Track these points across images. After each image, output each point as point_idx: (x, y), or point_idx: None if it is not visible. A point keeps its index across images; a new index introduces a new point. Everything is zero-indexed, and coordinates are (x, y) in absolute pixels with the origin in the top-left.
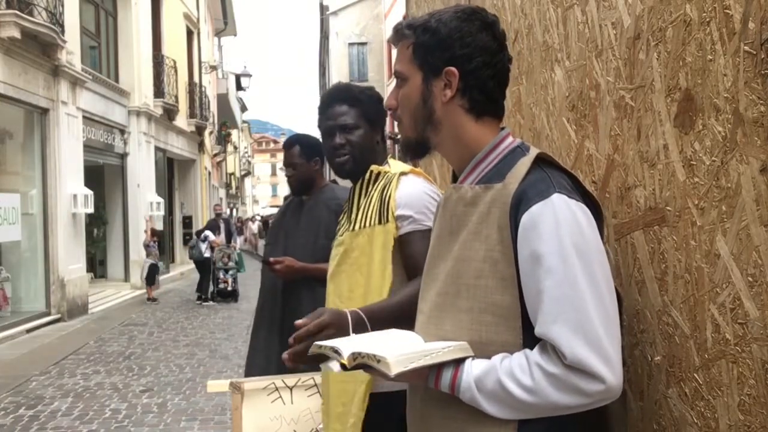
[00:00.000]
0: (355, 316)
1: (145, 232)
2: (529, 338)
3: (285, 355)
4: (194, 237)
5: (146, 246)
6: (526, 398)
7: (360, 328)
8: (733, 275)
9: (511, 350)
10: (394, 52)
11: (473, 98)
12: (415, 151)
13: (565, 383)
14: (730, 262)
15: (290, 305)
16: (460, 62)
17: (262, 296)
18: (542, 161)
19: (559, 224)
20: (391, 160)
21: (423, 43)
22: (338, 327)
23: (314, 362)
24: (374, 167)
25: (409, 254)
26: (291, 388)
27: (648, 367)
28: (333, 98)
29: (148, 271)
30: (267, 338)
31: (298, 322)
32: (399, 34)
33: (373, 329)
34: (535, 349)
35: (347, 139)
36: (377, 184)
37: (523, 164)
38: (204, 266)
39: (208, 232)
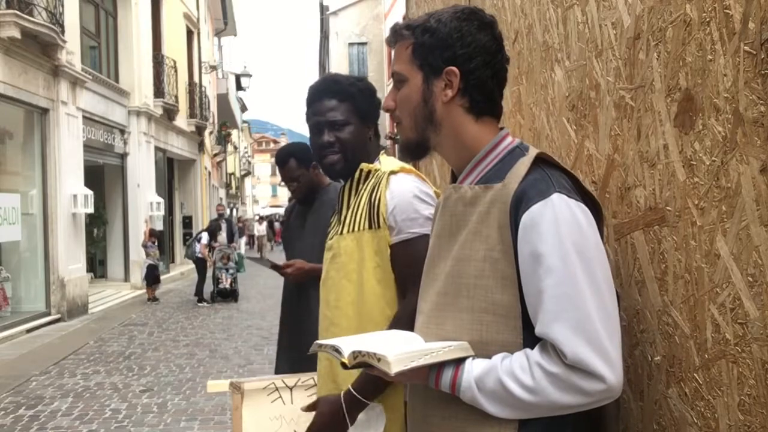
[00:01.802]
0: (351, 403)
1: (144, 233)
2: (529, 338)
3: None
4: (192, 236)
5: (144, 246)
6: (527, 398)
7: (354, 413)
8: (733, 275)
9: (511, 350)
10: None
11: (473, 98)
12: (414, 151)
13: (565, 383)
14: (730, 262)
15: (302, 306)
16: (461, 62)
17: (282, 302)
18: (542, 161)
19: (559, 224)
20: (382, 157)
21: (423, 43)
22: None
23: None
24: (364, 165)
25: (397, 269)
26: (291, 388)
27: (648, 367)
28: (321, 92)
29: (146, 271)
30: (286, 341)
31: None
32: (397, 34)
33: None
34: (536, 349)
35: (337, 136)
36: (367, 182)
37: (523, 164)
38: (199, 266)
39: (203, 234)
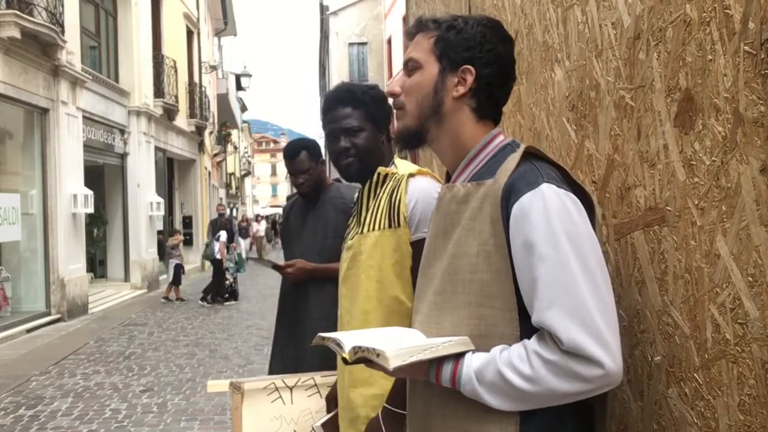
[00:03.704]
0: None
1: (176, 237)
2: (527, 329)
3: None
4: (210, 236)
5: (172, 248)
6: (527, 387)
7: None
8: (733, 275)
9: (509, 342)
10: (395, 51)
11: (480, 100)
12: (409, 141)
13: (564, 370)
14: (730, 262)
15: (300, 306)
16: (478, 64)
17: (279, 300)
18: (531, 155)
19: (549, 212)
20: (397, 161)
21: (447, 38)
22: None
23: None
24: (381, 169)
25: (416, 265)
26: (291, 388)
27: (648, 367)
28: (336, 100)
29: (174, 270)
30: (283, 339)
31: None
32: (421, 25)
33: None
34: (533, 338)
35: (352, 142)
36: (385, 186)
37: (513, 159)
38: (216, 266)
39: (222, 233)
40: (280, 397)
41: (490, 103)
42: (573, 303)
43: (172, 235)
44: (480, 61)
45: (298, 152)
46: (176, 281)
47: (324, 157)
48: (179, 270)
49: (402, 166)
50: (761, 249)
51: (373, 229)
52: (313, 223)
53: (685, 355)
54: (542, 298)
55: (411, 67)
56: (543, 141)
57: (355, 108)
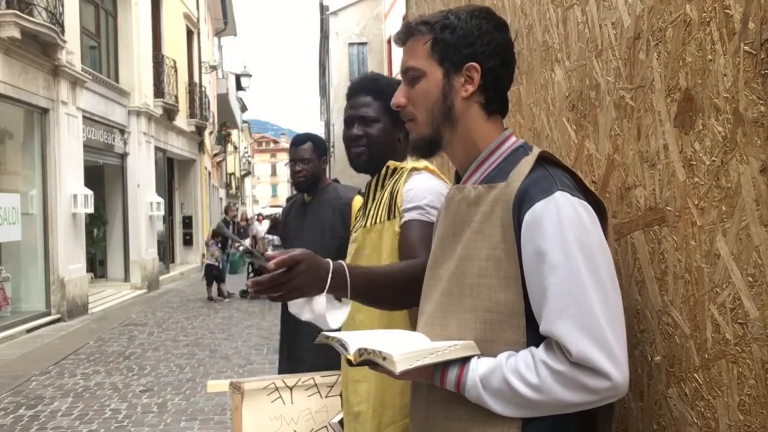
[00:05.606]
0: (337, 266)
1: (215, 236)
2: (533, 336)
3: (249, 281)
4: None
5: (206, 245)
6: (532, 396)
7: (337, 279)
8: (733, 275)
9: (514, 348)
10: (395, 51)
11: (489, 95)
12: (425, 149)
13: (571, 380)
14: (730, 262)
15: None
16: (481, 59)
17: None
18: (545, 160)
19: (562, 221)
20: (411, 159)
21: (443, 39)
22: (309, 265)
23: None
24: (391, 163)
25: (404, 241)
26: (291, 388)
27: (648, 367)
28: (358, 88)
29: (205, 270)
30: (284, 338)
31: (269, 257)
32: (412, 30)
33: (353, 288)
34: (541, 347)
35: (365, 131)
36: (392, 179)
37: (526, 162)
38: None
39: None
40: (280, 397)
41: (498, 96)
42: (583, 314)
43: (215, 236)
44: (483, 55)
45: (305, 141)
46: (209, 280)
47: (325, 157)
48: (212, 270)
49: (414, 163)
50: (761, 249)
51: (375, 223)
52: (312, 223)
53: (685, 355)
54: (552, 308)
55: (412, 76)
56: (543, 141)
57: (375, 98)
